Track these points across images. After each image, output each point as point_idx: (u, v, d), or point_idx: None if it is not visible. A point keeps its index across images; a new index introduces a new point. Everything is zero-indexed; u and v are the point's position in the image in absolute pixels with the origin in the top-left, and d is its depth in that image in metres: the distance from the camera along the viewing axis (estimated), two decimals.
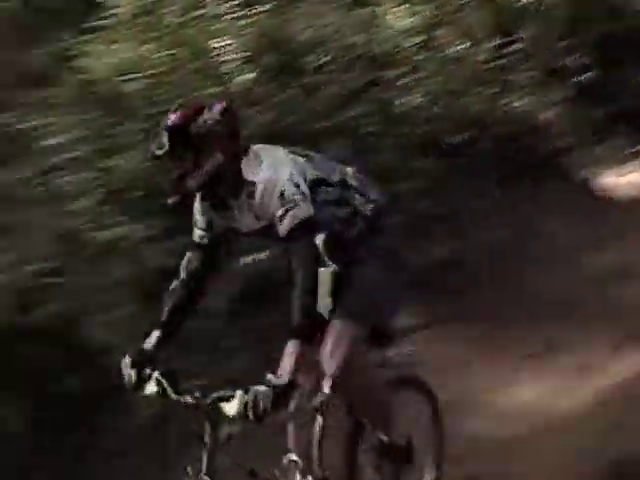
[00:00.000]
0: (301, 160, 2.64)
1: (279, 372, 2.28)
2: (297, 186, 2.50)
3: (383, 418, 2.87)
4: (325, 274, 2.70)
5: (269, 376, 2.27)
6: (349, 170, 2.80)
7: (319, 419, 2.82)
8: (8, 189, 4.94)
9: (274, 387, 2.22)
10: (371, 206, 2.76)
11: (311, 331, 2.44)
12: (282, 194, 2.47)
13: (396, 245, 2.85)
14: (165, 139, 2.51)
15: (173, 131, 2.53)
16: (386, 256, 2.74)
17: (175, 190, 2.58)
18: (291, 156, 2.62)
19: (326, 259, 2.74)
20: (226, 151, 2.55)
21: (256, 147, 2.65)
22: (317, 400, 2.78)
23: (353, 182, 2.75)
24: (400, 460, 2.95)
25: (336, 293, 2.74)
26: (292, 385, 2.32)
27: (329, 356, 2.60)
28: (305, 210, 2.49)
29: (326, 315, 2.70)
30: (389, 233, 2.81)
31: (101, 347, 4.27)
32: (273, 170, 2.52)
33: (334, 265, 2.76)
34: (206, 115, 2.57)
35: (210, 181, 2.56)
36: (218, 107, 2.62)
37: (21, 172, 4.99)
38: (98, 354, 4.26)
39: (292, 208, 2.47)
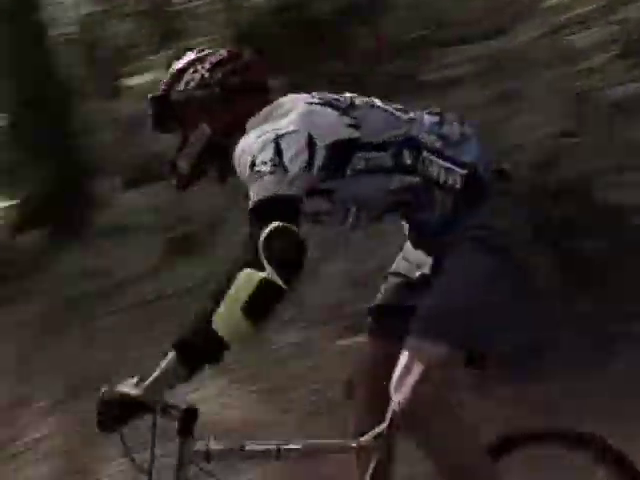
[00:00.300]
0: (330, 113, 1.97)
1: None
2: (277, 151, 1.82)
3: None
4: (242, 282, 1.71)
5: None
6: (429, 121, 2.05)
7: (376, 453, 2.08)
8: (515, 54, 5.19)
9: None
10: (461, 173, 1.99)
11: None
12: (252, 164, 1.84)
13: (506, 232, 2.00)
14: (148, 109, 2.14)
15: (153, 99, 2.14)
16: (489, 249, 1.95)
17: (172, 172, 2.15)
18: (315, 108, 1.97)
19: None
20: (216, 120, 2.05)
21: (281, 99, 2.05)
22: (370, 434, 2.07)
23: (430, 139, 2.00)
24: None
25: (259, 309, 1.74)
26: None
27: (396, 383, 1.92)
28: (267, 187, 1.80)
29: None
30: (493, 213, 2.00)
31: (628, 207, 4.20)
32: (259, 131, 1.89)
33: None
34: (190, 74, 2.10)
35: (199, 160, 2.08)
36: (210, 59, 2.12)
37: (529, 34, 5.28)
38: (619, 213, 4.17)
39: (254, 181, 1.83)
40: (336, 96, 2.04)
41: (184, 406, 1.87)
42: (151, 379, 1.77)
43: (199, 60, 2.12)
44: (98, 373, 4.78)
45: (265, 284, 1.69)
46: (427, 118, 2.05)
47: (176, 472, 1.88)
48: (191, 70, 2.10)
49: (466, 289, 1.93)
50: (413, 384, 1.87)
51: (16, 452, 4.57)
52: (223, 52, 2.16)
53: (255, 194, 1.80)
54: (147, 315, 5.67)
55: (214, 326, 1.71)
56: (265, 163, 1.81)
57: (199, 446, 1.90)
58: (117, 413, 1.76)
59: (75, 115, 7.94)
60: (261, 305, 1.72)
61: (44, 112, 7.45)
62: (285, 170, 1.79)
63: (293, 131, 1.86)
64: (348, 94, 2.06)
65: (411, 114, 2.06)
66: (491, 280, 1.94)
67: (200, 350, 1.74)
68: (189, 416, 1.86)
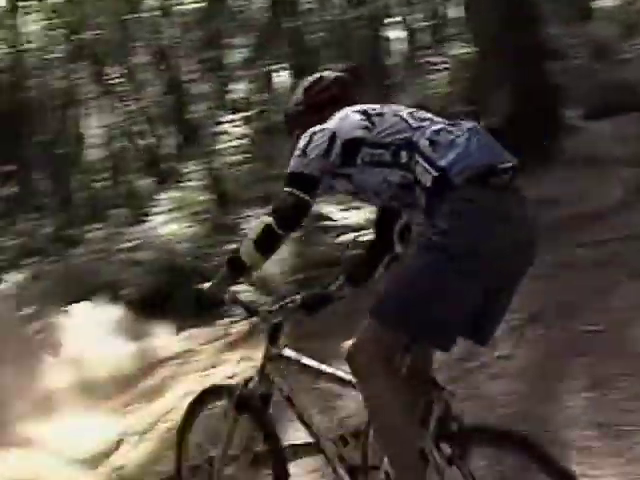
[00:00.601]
0: (356, 118, 2.50)
1: None
2: (308, 142, 2.49)
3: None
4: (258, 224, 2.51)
5: None
6: (432, 128, 2.35)
7: None
8: None
9: None
10: (433, 174, 2.25)
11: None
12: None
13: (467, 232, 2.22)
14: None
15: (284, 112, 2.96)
16: (429, 246, 2.24)
17: None
18: (349, 113, 2.54)
19: None
20: (305, 128, 2.60)
21: (344, 109, 2.61)
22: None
23: (423, 144, 2.30)
24: None
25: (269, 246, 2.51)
26: None
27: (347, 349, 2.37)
28: (292, 165, 2.51)
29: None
30: (471, 215, 2.22)
31: None
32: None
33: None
34: (293, 96, 2.89)
35: None
36: (304, 83, 2.89)
37: None
38: None
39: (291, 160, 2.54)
40: (375, 105, 2.55)
41: (275, 320, 2.79)
42: (214, 279, 2.69)
43: (299, 84, 2.89)
44: (559, 303, 4.79)
45: (266, 227, 2.45)
46: (434, 127, 2.36)
47: (259, 370, 2.85)
48: (294, 93, 2.87)
49: (402, 280, 2.32)
50: (352, 351, 2.34)
51: (471, 368, 4.57)
52: (317, 75, 2.86)
53: (287, 168, 2.51)
54: (611, 252, 5.45)
55: (241, 251, 2.54)
56: (299, 149, 2.50)
57: (278, 350, 2.82)
58: (204, 300, 2.83)
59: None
60: (263, 242, 2.48)
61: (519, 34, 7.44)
62: (305, 155, 2.47)
63: (325, 129, 2.50)
64: (387, 105, 2.56)
65: (424, 123, 2.39)
66: (423, 275, 2.23)
67: (235, 267, 2.60)
68: (277, 328, 2.81)
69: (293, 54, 14.38)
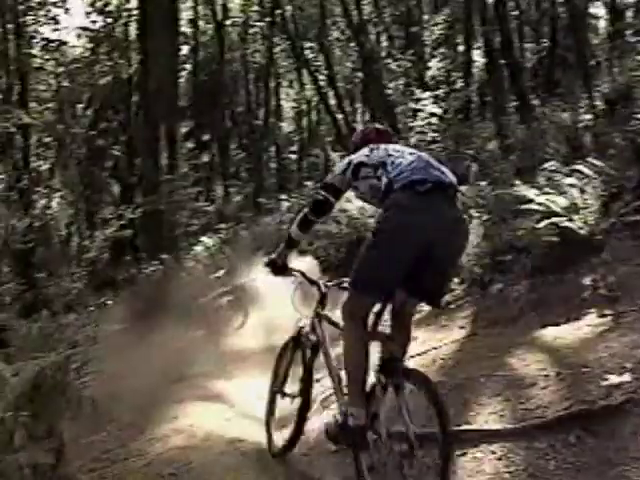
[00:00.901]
0: (366, 151, 3.77)
1: None
2: (341, 164, 3.85)
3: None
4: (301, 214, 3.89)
5: None
6: (408, 156, 3.60)
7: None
8: None
9: None
10: (385, 182, 3.52)
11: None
12: None
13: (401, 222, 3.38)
14: None
15: None
16: (372, 233, 3.48)
17: None
18: (365, 149, 3.79)
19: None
20: None
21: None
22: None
23: (390, 165, 3.56)
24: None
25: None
26: None
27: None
28: (328, 177, 3.86)
29: None
30: (394, 209, 3.42)
31: None
32: None
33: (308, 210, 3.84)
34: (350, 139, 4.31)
35: None
36: (357, 131, 4.39)
37: None
38: None
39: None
40: (380, 144, 3.79)
41: (324, 290, 4.07)
42: (276, 252, 4.04)
43: (360, 130, 4.30)
44: None
45: (304, 215, 3.81)
46: (400, 154, 3.63)
47: (310, 323, 4.10)
48: (355, 135, 4.20)
49: (358, 257, 3.47)
50: (341, 308, 3.54)
51: None
52: (369, 126, 4.42)
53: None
54: None
55: (291, 231, 3.91)
56: (333, 169, 4.01)
57: (322, 311, 4.06)
58: (271, 269, 4.08)
59: None
60: (303, 225, 3.84)
61: None
62: (333, 172, 3.86)
63: (348, 157, 3.85)
64: (392, 145, 3.81)
65: (397, 153, 3.65)
66: (367, 251, 3.43)
67: (288, 240, 3.95)
68: (324, 296, 4.07)
69: (488, 32, 13.97)
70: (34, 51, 16.34)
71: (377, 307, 3.50)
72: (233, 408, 5.39)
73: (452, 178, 3.46)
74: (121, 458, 4.64)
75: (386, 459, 3.31)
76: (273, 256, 4.02)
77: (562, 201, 5.66)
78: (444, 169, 3.51)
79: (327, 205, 3.74)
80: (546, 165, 6.84)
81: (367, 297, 3.44)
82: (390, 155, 3.62)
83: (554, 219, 5.60)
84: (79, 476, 4.10)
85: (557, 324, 4.89)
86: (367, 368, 3.45)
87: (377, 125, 4.31)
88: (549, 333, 4.72)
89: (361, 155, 3.73)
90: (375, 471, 3.42)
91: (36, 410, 4.05)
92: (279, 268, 4.03)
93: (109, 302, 10.18)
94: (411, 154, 3.61)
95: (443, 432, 3.04)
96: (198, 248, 11.71)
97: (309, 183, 14.34)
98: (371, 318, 3.52)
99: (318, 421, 4.37)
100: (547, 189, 5.96)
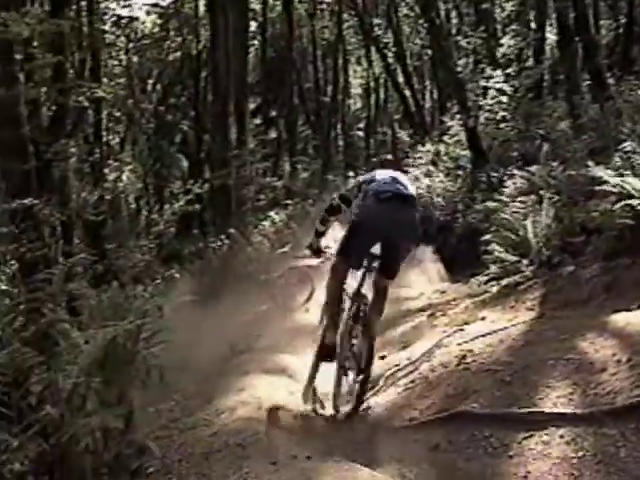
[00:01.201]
0: (367, 175, 5.17)
1: None
2: (354, 181, 5.48)
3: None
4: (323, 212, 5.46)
5: None
6: (385, 177, 4.95)
7: None
8: None
9: None
10: (365, 190, 4.94)
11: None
12: None
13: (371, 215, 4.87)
14: None
15: None
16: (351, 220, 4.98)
17: None
18: (368, 175, 5.17)
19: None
20: None
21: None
22: None
23: (375, 183, 4.90)
24: None
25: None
26: None
27: None
28: (343, 190, 5.51)
29: None
30: (363, 209, 4.90)
31: None
32: None
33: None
34: None
35: None
36: None
37: None
38: None
39: None
40: (378, 171, 5.13)
41: (363, 270, 4.96)
42: (311, 239, 5.50)
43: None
44: None
45: (324, 214, 5.40)
46: (386, 179, 4.96)
47: (354, 292, 4.95)
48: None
49: (342, 237, 4.98)
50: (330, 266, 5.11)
51: None
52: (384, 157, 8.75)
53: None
54: None
55: (317, 223, 5.48)
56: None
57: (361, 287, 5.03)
58: (310, 251, 5.54)
59: None
60: (323, 220, 5.36)
61: None
62: (347, 186, 5.59)
63: (357, 178, 5.81)
64: (385, 170, 5.13)
65: (385, 175, 5.02)
66: (347, 234, 4.92)
67: (316, 232, 5.42)
68: (364, 276, 4.93)
69: (562, 8, 13.62)
70: (106, 27, 16.62)
71: (358, 278, 4.92)
72: (298, 382, 5.44)
73: (412, 192, 4.90)
74: (188, 427, 4.70)
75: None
76: (310, 242, 5.49)
77: (638, 183, 5.52)
78: (408, 185, 4.94)
79: (338, 209, 5.28)
80: (621, 146, 6.67)
81: (344, 261, 4.91)
82: (374, 176, 5.05)
83: (629, 201, 5.48)
84: (147, 442, 4.18)
85: (629, 309, 4.74)
86: (339, 306, 4.93)
87: (388, 157, 6.37)
88: (620, 318, 4.56)
89: (365, 176, 5.25)
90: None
91: (107, 377, 4.16)
92: (315, 250, 5.48)
93: (176, 275, 10.34)
94: (390, 176, 4.98)
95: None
96: (265, 223, 11.82)
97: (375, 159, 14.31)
98: (355, 286, 4.92)
99: (382, 397, 4.40)
100: (622, 170, 5.82)
